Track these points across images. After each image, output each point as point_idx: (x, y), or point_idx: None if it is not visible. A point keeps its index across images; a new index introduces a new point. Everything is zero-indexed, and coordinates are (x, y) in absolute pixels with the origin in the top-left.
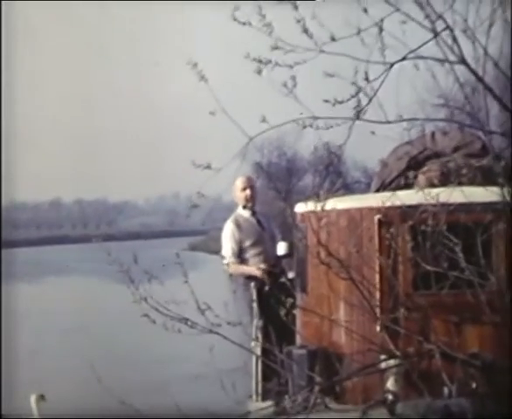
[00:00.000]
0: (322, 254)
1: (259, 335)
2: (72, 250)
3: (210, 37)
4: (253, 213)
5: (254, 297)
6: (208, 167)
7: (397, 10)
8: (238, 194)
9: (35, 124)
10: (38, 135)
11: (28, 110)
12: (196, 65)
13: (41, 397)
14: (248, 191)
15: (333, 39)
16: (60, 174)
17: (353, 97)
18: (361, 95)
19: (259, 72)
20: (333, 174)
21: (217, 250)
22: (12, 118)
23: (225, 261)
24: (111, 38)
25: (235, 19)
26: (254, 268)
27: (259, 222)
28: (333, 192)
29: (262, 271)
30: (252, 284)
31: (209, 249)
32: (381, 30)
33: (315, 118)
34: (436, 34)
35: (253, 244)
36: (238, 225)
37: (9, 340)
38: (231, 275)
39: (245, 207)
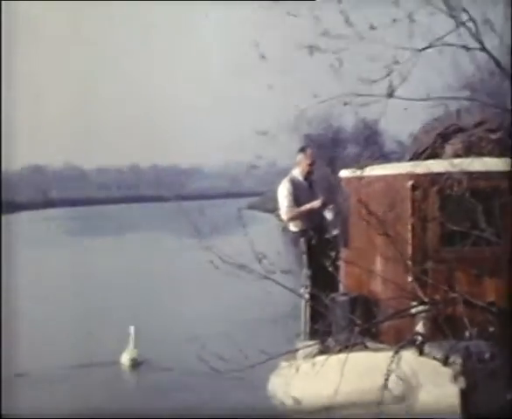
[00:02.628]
0: (363, 212)
1: (308, 283)
2: (148, 207)
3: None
4: (306, 178)
5: (304, 249)
6: (265, 133)
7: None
8: (304, 164)
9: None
10: (98, 108)
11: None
12: (257, 44)
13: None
14: (314, 167)
15: (372, 28)
16: (137, 142)
17: (383, 78)
18: (395, 76)
19: (311, 53)
20: (372, 145)
21: (271, 209)
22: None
23: (284, 210)
24: (118, 29)
25: (289, 13)
26: (315, 203)
27: (310, 185)
28: (372, 160)
29: (322, 201)
30: (302, 239)
31: (265, 208)
32: (412, 20)
33: (357, 95)
34: (461, 24)
35: (304, 203)
36: (293, 184)
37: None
38: (283, 229)
39: (305, 175)
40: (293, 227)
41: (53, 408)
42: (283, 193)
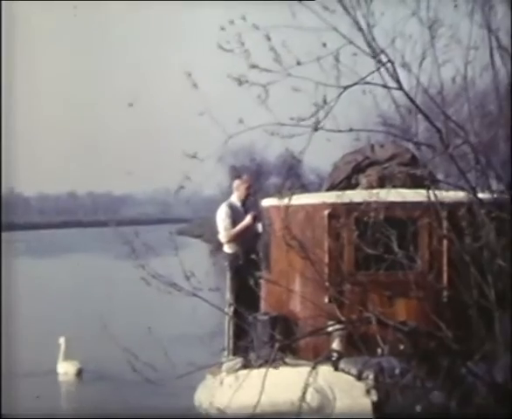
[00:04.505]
0: (286, 237)
1: (232, 301)
2: (85, 232)
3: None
4: (243, 204)
5: (228, 269)
6: (194, 156)
7: (351, 42)
8: (242, 188)
9: (35, 124)
10: (41, 135)
11: (28, 110)
12: (190, 74)
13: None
14: (251, 190)
15: (298, 63)
16: (75, 171)
17: (313, 115)
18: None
19: (240, 84)
20: (292, 176)
21: (199, 235)
22: (12, 118)
23: (222, 233)
24: (111, 39)
25: (220, 46)
26: (246, 220)
27: (245, 211)
28: (292, 190)
29: (253, 217)
30: (227, 260)
31: (192, 233)
32: (337, 60)
33: (282, 125)
34: (382, 65)
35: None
36: (231, 208)
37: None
38: (211, 252)
39: (242, 199)
40: (228, 249)
41: None
42: (221, 216)
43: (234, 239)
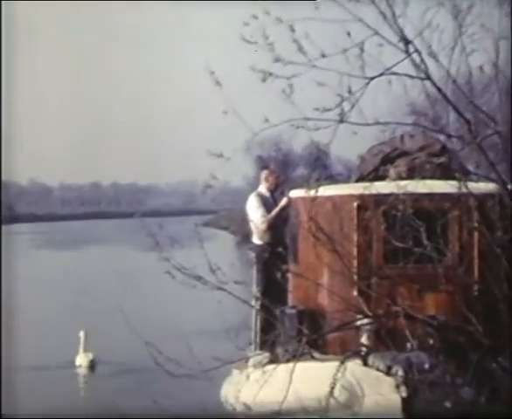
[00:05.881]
0: (313, 229)
1: (259, 295)
2: (108, 223)
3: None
4: (272, 194)
5: (256, 262)
6: (220, 155)
7: (376, 33)
8: (271, 179)
9: (35, 124)
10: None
11: (27, 109)
12: (213, 72)
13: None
14: (280, 179)
15: (323, 56)
16: (98, 161)
17: (337, 106)
18: (345, 102)
19: (264, 80)
20: (320, 166)
21: (225, 226)
22: (12, 118)
23: (259, 221)
24: (118, 37)
25: (244, 39)
26: (283, 202)
27: (274, 201)
28: (320, 181)
29: (287, 199)
30: (254, 253)
31: (219, 225)
32: (362, 50)
33: (307, 119)
34: (408, 55)
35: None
36: (260, 198)
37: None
38: (237, 244)
39: (271, 190)
40: (257, 240)
41: None
42: (254, 206)
43: (273, 225)
